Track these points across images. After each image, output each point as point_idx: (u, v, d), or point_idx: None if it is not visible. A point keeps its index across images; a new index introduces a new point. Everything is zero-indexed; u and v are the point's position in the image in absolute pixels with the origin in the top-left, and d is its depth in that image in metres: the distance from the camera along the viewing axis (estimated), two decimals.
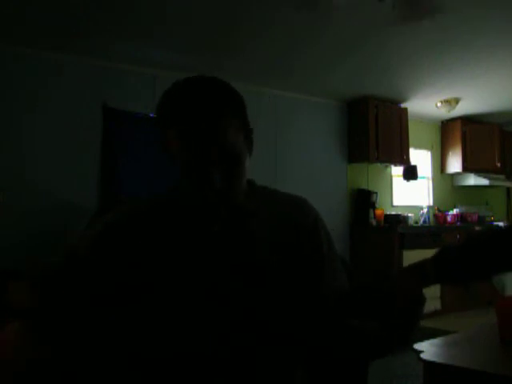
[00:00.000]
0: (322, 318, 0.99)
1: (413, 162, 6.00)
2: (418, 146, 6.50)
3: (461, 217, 6.56)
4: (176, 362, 0.95)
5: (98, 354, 0.97)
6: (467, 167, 6.62)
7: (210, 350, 0.94)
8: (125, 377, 0.97)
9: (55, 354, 0.94)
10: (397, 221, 5.60)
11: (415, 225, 5.99)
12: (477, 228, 6.18)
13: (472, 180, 6.76)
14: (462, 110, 6.08)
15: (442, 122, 6.83)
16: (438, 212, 6.51)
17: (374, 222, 5.58)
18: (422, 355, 1.70)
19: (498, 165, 6.66)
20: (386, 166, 6.07)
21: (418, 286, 0.86)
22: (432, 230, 5.86)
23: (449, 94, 5.56)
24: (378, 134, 5.55)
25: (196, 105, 0.89)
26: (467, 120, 6.67)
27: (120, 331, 0.97)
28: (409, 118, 5.89)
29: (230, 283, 0.96)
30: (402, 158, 5.82)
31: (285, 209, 1.06)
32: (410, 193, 6.47)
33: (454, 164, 6.72)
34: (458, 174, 6.82)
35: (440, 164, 6.87)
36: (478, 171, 6.68)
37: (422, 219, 6.22)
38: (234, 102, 0.93)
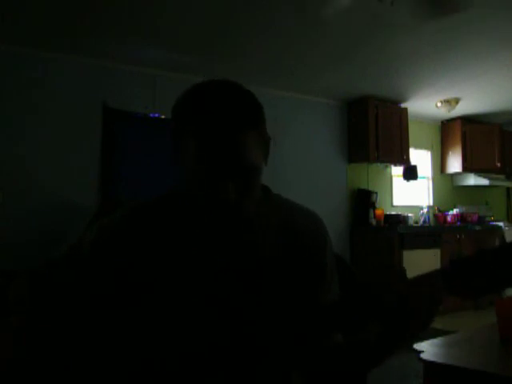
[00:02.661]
0: (315, 327, 0.99)
1: (413, 162, 6.00)
2: (418, 146, 6.50)
3: (461, 217, 6.56)
4: (174, 362, 0.95)
5: (97, 353, 0.97)
6: (467, 167, 6.62)
7: (208, 350, 0.94)
8: (123, 377, 0.97)
9: (50, 352, 0.94)
10: (397, 221, 5.60)
11: (415, 225, 5.99)
12: (477, 228, 6.17)
13: (472, 180, 6.77)
14: (461, 109, 6.08)
15: (442, 122, 6.83)
16: (438, 212, 6.51)
17: (373, 222, 5.58)
18: (421, 355, 1.70)
19: (498, 165, 6.65)
20: (386, 166, 6.07)
21: (439, 293, 0.85)
22: (432, 230, 5.87)
23: (449, 94, 5.56)
24: (378, 134, 5.55)
25: (217, 115, 0.85)
26: (467, 120, 6.68)
27: (118, 332, 0.97)
28: (409, 118, 5.89)
29: (227, 283, 0.96)
30: (402, 158, 5.83)
31: (296, 220, 1.05)
32: (410, 193, 6.47)
33: (454, 164, 6.72)
34: (458, 173, 6.82)
35: (440, 164, 6.87)
36: (478, 171, 6.68)
37: (421, 219, 6.22)
38: (255, 113, 0.91)
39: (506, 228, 6.42)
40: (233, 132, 0.86)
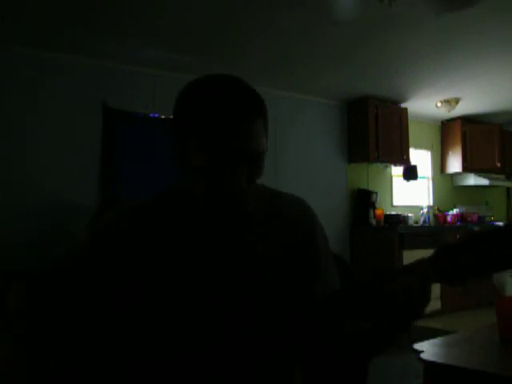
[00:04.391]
0: (317, 318, 0.99)
1: (413, 162, 6.00)
2: (418, 146, 6.50)
3: (461, 217, 6.56)
4: (174, 362, 0.95)
5: (97, 354, 0.97)
6: (467, 167, 6.62)
7: (209, 350, 0.94)
8: (124, 377, 0.97)
9: (52, 353, 0.94)
10: (397, 221, 5.60)
11: (415, 225, 5.99)
12: (476, 228, 6.18)
13: (472, 180, 6.77)
14: (461, 109, 6.09)
15: (442, 122, 6.83)
16: (438, 212, 6.52)
17: (374, 222, 5.58)
18: (421, 355, 1.70)
19: (498, 165, 6.66)
20: (386, 166, 6.07)
21: (423, 284, 0.85)
22: (432, 229, 5.87)
23: (449, 94, 5.56)
24: (378, 134, 5.56)
25: (225, 104, 0.87)
26: (467, 120, 6.68)
27: (119, 332, 0.97)
28: (409, 118, 5.89)
29: (227, 283, 0.96)
30: (402, 158, 5.83)
31: (284, 209, 1.05)
32: (410, 193, 6.47)
33: (454, 164, 6.72)
34: (458, 173, 6.82)
35: (440, 164, 6.88)
36: (478, 171, 6.68)
37: (421, 219, 6.22)
38: (259, 103, 0.92)
39: None
40: (243, 119, 0.88)
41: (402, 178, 6.06)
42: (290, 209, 1.06)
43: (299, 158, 5.27)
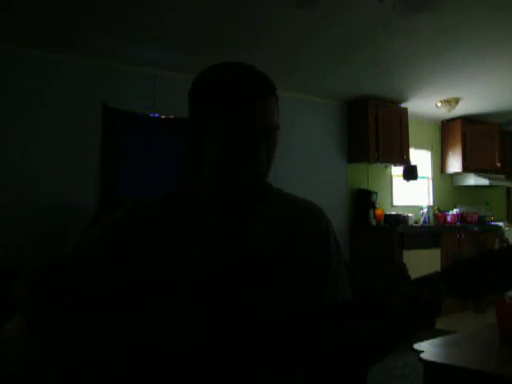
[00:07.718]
0: (321, 324, 0.98)
1: (413, 162, 6.00)
2: (418, 146, 6.50)
3: (461, 217, 6.56)
4: (174, 362, 0.95)
5: (97, 351, 0.97)
6: (467, 167, 6.62)
7: (209, 348, 0.94)
8: (123, 376, 0.97)
9: (54, 351, 0.94)
10: (397, 221, 5.59)
11: (415, 225, 5.98)
12: (476, 228, 6.18)
13: (472, 180, 6.77)
14: (461, 109, 6.08)
15: (442, 122, 6.83)
16: (437, 212, 6.51)
17: (373, 222, 5.58)
18: (421, 355, 1.70)
19: (498, 165, 6.66)
20: (386, 166, 6.07)
21: (435, 298, 0.85)
22: (432, 230, 5.86)
23: (449, 94, 5.56)
24: (378, 134, 5.55)
25: (242, 84, 0.93)
26: (467, 120, 6.68)
27: (118, 329, 0.97)
28: (409, 118, 5.89)
29: (230, 282, 0.96)
30: (402, 158, 5.83)
31: (295, 213, 1.04)
32: (410, 193, 6.47)
33: (454, 164, 6.72)
34: (458, 174, 6.82)
35: (440, 164, 6.88)
36: (478, 171, 6.68)
37: (421, 219, 6.22)
38: (271, 84, 0.99)
39: (506, 228, 6.42)
40: (259, 97, 0.94)
41: (402, 178, 6.06)
42: (301, 210, 1.05)
43: (299, 158, 5.27)
